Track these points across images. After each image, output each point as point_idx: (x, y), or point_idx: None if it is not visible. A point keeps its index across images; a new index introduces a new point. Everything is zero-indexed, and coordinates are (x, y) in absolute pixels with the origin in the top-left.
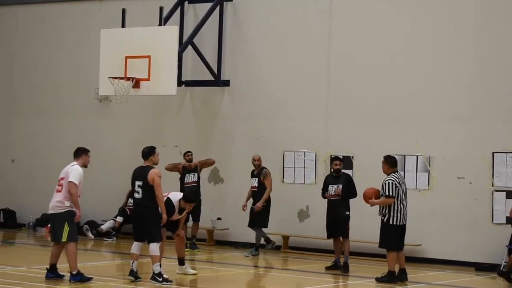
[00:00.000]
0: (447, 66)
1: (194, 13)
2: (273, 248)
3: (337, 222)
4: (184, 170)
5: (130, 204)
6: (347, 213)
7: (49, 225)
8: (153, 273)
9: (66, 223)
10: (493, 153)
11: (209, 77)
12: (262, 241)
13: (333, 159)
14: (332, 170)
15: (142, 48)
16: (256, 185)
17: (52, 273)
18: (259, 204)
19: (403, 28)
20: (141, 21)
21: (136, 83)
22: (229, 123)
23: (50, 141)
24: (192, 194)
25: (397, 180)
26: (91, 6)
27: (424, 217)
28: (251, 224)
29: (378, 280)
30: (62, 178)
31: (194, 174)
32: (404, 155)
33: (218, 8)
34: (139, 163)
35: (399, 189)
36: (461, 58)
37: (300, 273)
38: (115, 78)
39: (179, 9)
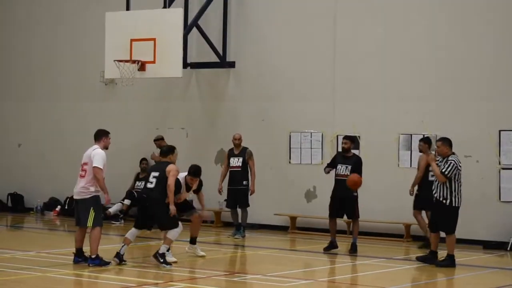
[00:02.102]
0: (453, 45)
1: None
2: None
3: (345, 202)
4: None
5: (138, 187)
6: (355, 194)
7: (57, 209)
8: (157, 252)
9: (92, 208)
10: (500, 131)
11: (214, 58)
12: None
13: (343, 138)
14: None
15: (147, 31)
16: (240, 165)
17: (79, 257)
18: (253, 188)
19: (410, 7)
20: (146, 3)
21: (142, 66)
22: (235, 104)
23: (56, 125)
24: (198, 168)
25: (459, 164)
26: None
27: None
28: (237, 205)
29: (439, 265)
30: (86, 163)
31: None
32: (411, 134)
33: None
34: (145, 145)
35: (459, 171)
36: (468, 37)
37: (309, 253)
38: (121, 61)
39: None
